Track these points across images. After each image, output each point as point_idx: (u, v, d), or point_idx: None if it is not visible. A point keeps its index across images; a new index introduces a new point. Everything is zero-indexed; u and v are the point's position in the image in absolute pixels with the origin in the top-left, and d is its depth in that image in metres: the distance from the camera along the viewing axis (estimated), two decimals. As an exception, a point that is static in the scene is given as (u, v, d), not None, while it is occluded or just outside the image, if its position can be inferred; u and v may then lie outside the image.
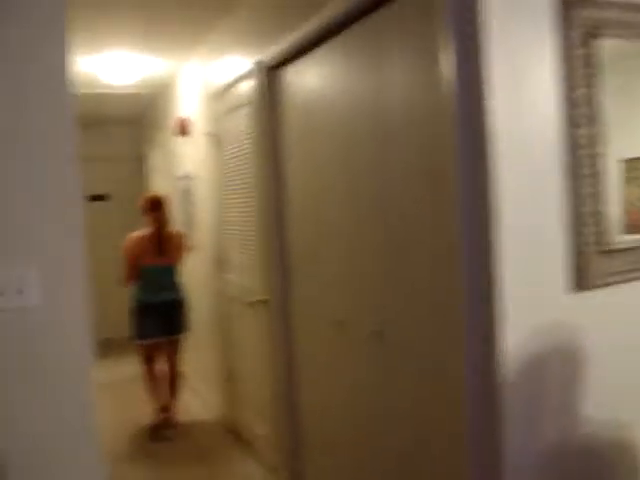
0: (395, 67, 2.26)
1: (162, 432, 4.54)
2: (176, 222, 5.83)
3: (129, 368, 5.80)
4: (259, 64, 3.41)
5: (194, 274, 5.30)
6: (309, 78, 2.99)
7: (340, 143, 2.71)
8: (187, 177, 5.29)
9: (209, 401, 5.08)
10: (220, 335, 4.61)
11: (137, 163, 7.89)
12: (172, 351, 4.65)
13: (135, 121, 7.82)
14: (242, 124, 3.83)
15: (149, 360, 4.66)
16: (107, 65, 4.92)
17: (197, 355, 5.42)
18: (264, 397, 3.78)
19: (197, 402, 5.31)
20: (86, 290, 1.87)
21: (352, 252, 2.68)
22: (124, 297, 4.74)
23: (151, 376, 4.70)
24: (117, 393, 5.54)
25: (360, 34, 2.50)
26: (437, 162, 2.03)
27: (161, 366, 4.70)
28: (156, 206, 4.53)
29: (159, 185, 6.82)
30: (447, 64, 1.90)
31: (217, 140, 4.34)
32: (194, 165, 5.10)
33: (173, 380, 4.71)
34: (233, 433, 4.43)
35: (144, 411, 4.89)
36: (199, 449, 4.28)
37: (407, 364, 2.31)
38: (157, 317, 4.48)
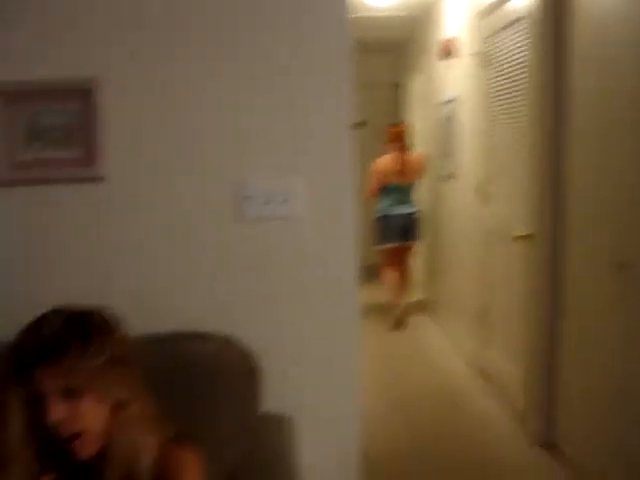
0: None
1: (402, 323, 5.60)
2: (433, 148, 5.71)
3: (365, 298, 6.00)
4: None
5: (452, 204, 5.14)
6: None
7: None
8: (449, 102, 5.06)
9: (459, 340, 4.96)
10: (475, 271, 4.42)
11: (394, 90, 7.81)
12: (405, 255, 5.73)
13: (394, 47, 7.70)
14: (516, 42, 3.50)
15: (389, 263, 5.65)
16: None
17: (449, 291, 5.32)
18: (518, 339, 3.55)
19: (446, 341, 5.23)
20: (352, 204, 1.85)
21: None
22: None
23: (390, 277, 5.67)
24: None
25: None
26: None
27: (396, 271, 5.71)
28: (398, 135, 5.53)
29: (416, 112, 6.69)
30: None
31: (485, 60, 4.04)
32: (458, 89, 4.85)
33: (405, 281, 5.76)
34: (481, 374, 4.29)
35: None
36: (443, 390, 4.19)
37: None
38: (395, 226, 5.49)
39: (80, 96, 1.72)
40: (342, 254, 1.86)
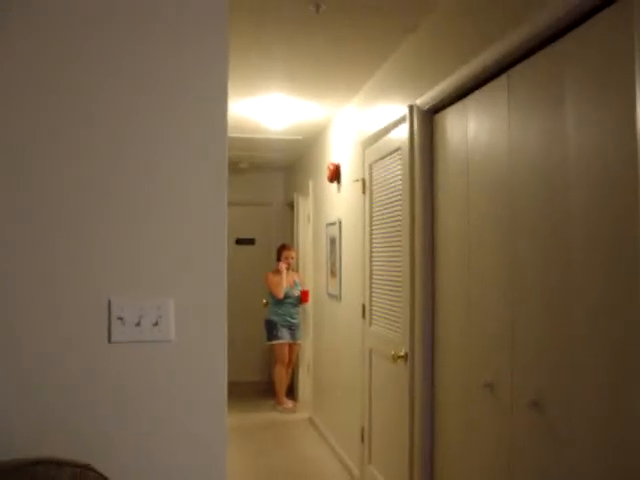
0: (576, 112, 2.01)
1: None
2: (321, 268, 5.80)
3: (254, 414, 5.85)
4: (413, 109, 3.28)
5: (337, 322, 5.19)
6: (468, 123, 2.80)
7: (501, 196, 2.49)
8: (334, 224, 5.23)
9: (344, 459, 4.87)
10: (358, 390, 4.41)
11: (286, 209, 8.01)
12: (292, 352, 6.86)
13: (287, 167, 7.97)
14: (393, 171, 3.70)
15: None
16: (262, 109, 4.99)
17: (334, 409, 5.26)
18: (400, 460, 3.52)
19: (332, 459, 5.11)
20: (223, 330, 1.81)
21: (507, 309, 2.43)
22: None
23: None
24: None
25: (530, 72, 2.29)
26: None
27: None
28: (284, 254, 6.75)
29: (305, 232, 6.85)
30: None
31: (366, 187, 4.24)
32: (342, 212, 5.03)
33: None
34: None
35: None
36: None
37: (574, 446, 1.99)
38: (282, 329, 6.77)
39: None
40: (211, 380, 1.80)
